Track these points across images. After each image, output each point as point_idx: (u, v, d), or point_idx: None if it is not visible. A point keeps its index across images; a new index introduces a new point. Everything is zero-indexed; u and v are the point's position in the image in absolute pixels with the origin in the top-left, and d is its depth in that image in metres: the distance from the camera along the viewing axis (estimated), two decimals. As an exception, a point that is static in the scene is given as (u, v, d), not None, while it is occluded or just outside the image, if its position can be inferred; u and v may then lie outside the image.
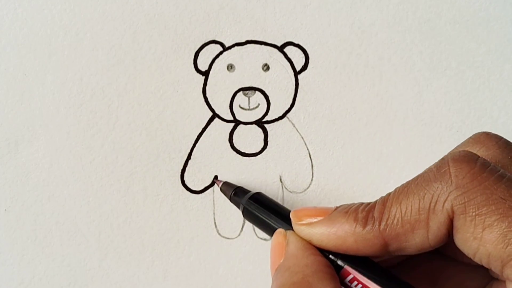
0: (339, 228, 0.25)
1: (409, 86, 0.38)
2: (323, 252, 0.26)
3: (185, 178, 0.37)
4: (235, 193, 0.35)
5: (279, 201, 0.37)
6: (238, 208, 0.34)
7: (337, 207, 0.26)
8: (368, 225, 0.25)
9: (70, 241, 0.36)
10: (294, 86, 0.37)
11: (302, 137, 0.37)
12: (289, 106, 0.37)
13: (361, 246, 0.25)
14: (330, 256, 0.26)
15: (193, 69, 0.37)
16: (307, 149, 0.37)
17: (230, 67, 0.37)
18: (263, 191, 0.37)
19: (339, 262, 0.26)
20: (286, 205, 0.37)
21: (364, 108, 0.37)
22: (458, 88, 0.38)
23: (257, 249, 0.37)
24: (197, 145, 0.37)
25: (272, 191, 0.37)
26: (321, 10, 0.37)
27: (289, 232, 0.28)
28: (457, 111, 0.38)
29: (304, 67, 0.37)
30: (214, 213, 0.37)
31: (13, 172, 0.36)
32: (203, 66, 0.37)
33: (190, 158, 0.37)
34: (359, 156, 0.38)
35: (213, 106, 0.37)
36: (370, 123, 0.38)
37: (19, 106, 0.36)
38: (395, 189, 0.25)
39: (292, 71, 0.37)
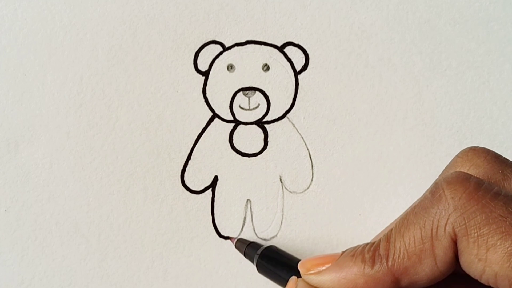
0: (348, 272, 0.25)
1: (409, 86, 0.38)
2: None
3: (185, 178, 0.37)
4: (248, 248, 0.35)
5: (279, 201, 0.37)
6: (253, 263, 0.35)
7: (343, 252, 0.26)
8: (376, 264, 0.24)
9: (70, 241, 0.36)
10: (294, 86, 0.37)
11: (302, 137, 0.37)
12: (289, 106, 0.37)
13: (372, 286, 0.25)
14: None
15: (193, 69, 0.37)
16: (307, 149, 0.37)
17: (230, 67, 0.37)
18: (263, 191, 0.37)
19: None
20: (287, 205, 0.37)
21: (364, 108, 0.37)
22: (458, 88, 0.38)
23: (257, 249, 0.37)
24: (197, 145, 0.37)
25: (272, 191, 0.37)
26: (321, 10, 0.37)
27: (299, 279, 0.28)
28: (457, 111, 0.38)
29: (304, 67, 0.37)
30: (214, 213, 0.37)
31: (13, 172, 0.36)
32: (203, 66, 0.37)
33: (190, 158, 0.37)
34: (359, 156, 0.38)
35: (213, 106, 0.37)
36: (370, 123, 0.38)
37: (19, 106, 0.36)
38: (396, 224, 0.25)
39: (292, 71, 0.37)
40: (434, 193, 0.24)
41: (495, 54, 0.38)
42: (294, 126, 0.37)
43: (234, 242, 0.37)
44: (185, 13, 0.37)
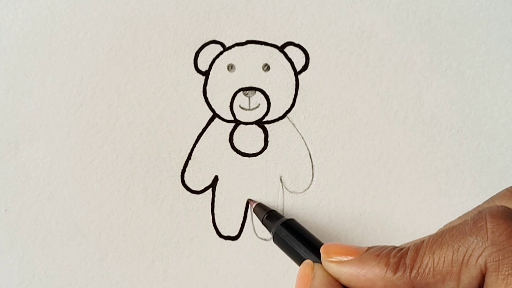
0: (369, 271, 0.25)
1: (409, 86, 0.38)
2: None
3: (185, 178, 0.37)
4: (268, 216, 0.35)
5: (279, 201, 0.37)
6: (269, 232, 0.35)
7: (369, 248, 0.26)
8: (399, 271, 0.24)
9: (70, 241, 0.36)
10: (294, 86, 0.37)
11: (302, 137, 0.37)
12: (289, 106, 0.37)
13: None
14: None
15: (193, 69, 0.37)
16: (307, 149, 0.37)
17: (231, 67, 0.37)
18: (263, 191, 0.37)
19: None
20: (287, 205, 0.37)
21: (364, 108, 0.37)
22: (458, 88, 0.38)
23: (257, 249, 0.37)
24: (197, 145, 0.37)
25: (272, 191, 0.37)
26: (321, 10, 0.37)
27: (316, 265, 0.28)
28: (457, 111, 0.38)
29: (305, 67, 0.37)
30: (214, 213, 0.37)
31: (13, 172, 0.36)
32: (203, 66, 0.37)
33: (190, 158, 0.37)
34: (359, 156, 0.38)
35: (213, 106, 0.37)
36: (370, 123, 0.38)
37: (19, 106, 0.36)
38: (429, 237, 0.25)
39: (292, 71, 0.37)
40: (476, 222, 0.24)
41: (495, 54, 0.38)
42: (294, 126, 0.37)
43: (254, 206, 0.36)
44: (185, 13, 0.36)
